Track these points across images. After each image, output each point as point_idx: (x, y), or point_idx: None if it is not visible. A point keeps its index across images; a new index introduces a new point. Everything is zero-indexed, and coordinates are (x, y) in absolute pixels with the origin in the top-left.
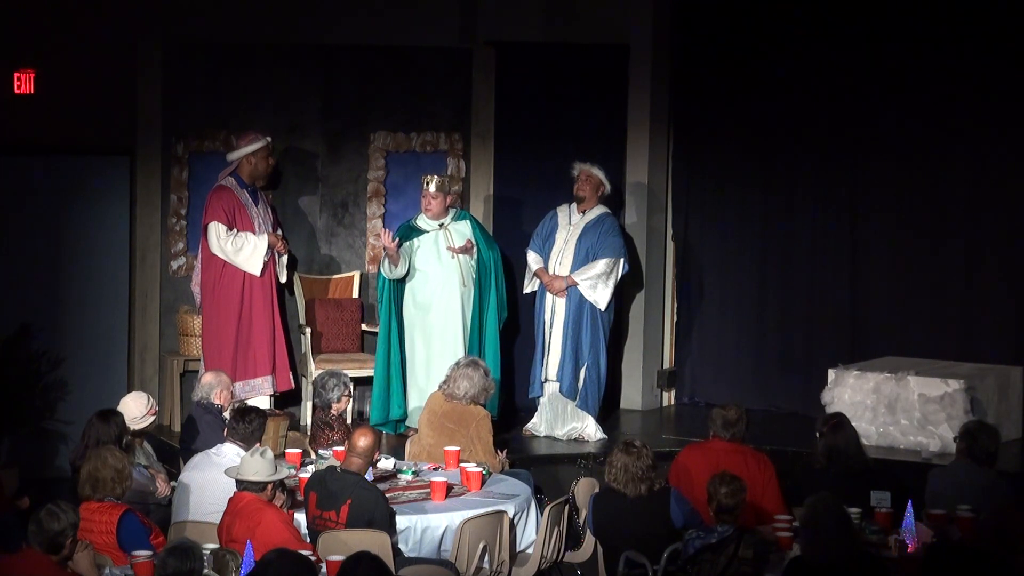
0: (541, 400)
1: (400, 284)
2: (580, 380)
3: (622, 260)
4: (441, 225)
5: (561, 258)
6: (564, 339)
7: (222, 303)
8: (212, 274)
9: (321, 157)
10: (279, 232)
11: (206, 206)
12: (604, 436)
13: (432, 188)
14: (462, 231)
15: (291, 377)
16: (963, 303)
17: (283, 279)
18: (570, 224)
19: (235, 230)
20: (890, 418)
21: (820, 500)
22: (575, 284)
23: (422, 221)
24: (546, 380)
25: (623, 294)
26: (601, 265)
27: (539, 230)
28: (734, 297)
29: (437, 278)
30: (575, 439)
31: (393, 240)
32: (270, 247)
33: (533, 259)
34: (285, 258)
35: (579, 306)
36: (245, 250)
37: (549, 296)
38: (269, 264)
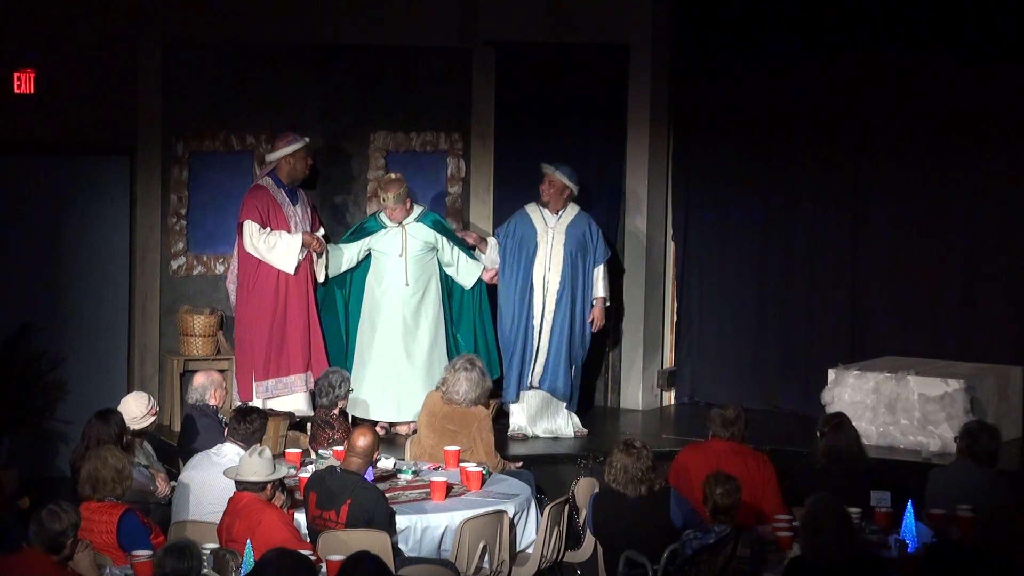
0: (516, 403)
1: (360, 274)
2: (571, 382)
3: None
4: (400, 224)
5: (549, 263)
6: (558, 347)
7: (255, 301)
8: (247, 272)
9: (321, 157)
10: (320, 232)
11: (241, 205)
12: (585, 430)
13: (391, 201)
14: (419, 233)
15: None
16: (963, 303)
17: (321, 278)
18: (548, 227)
19: (268, 228)
20: (890, 418)
21: (820, 500)
22: (604, 300)
23: (384, 218)
24: (530, 386)
25: (622, 294)
26: (603, 273)
27: (507, 230)
28: (734, 297)
29: (390, 275)
30: (572, 436)
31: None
32: (304, 246)
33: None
34: (324, 258)
35: (570, 314)
36: (278, 248)
37: (538, 304)
38: (304, 263)
